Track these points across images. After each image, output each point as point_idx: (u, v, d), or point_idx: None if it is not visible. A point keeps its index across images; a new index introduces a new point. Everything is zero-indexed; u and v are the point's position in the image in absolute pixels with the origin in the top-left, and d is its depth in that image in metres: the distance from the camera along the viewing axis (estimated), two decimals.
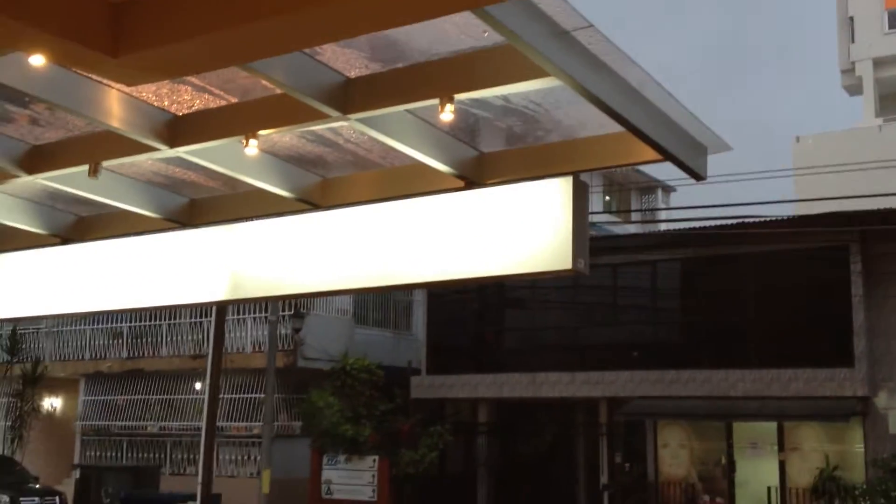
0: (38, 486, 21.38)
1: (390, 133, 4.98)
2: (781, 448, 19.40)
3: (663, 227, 31.44)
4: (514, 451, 26.35)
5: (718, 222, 19.89)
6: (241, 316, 24.41)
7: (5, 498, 19.65)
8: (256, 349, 23.79)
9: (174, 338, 25.71)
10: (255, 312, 24.13)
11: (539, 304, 23.29)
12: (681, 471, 20.47)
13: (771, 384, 19.05)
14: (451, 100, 4.44)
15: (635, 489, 20.51)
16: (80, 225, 6.32)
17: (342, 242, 5.64)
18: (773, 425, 19.45)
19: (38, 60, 3.68)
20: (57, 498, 20.76)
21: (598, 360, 21.81)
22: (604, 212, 33.48)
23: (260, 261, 5.75)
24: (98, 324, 27.09)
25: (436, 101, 4.49)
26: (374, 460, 21.88)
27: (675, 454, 20.72)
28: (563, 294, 22.85)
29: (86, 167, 5.04)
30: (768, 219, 19.23)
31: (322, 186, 5.99)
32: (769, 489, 18.62)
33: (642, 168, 34.25)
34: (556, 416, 24.15)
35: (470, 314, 24.59)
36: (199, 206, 6.16)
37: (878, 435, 18.39)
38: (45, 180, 5.34)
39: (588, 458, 24.69)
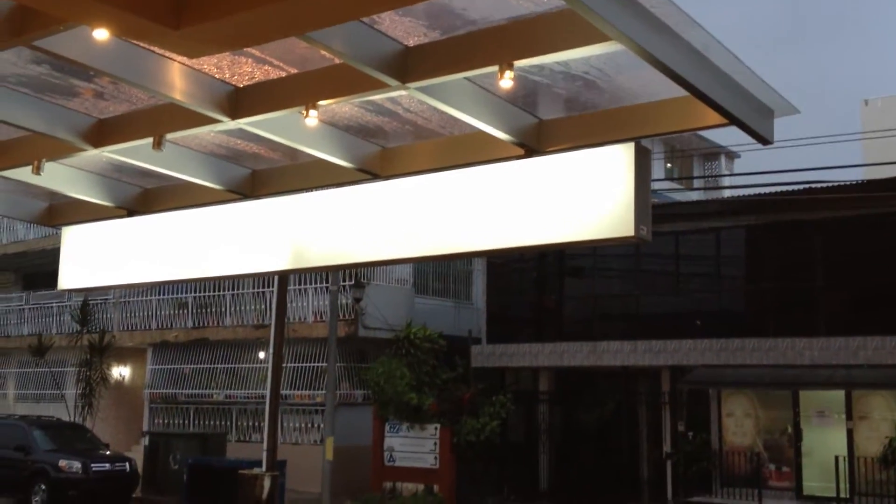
0: (108, 452, 22.00)
1: (449, 101, 4.95)
2: (849, 417, 19.06)
3: (727, 193, 30.92)
4: (575, 420, 26.32)
5: (784, 188, 19.48)
6: (302, 286, 24.71)
7: (77, 464, 20.27)
8: (318, 319, 24.08)
9: (237, 308, 26.16)
10: (316, 283, 24.40)
11: (600, 273, 23.13)
12: (746, 440, 20.24)
13: (839, 352, 18.68)
14: (510, 66, 4.38)
15: (699, 457, 20.35)
16: (145, 197, 6.43)
17: (402, 212, 5.63)
18: (840, 394, 19.11)
19: (101, 34, 3.72)
20: (127, 464, 21.35)
21: (661, 329, 21.60)
22: (666, 179, 33.01)
23: (321, 231, 5.77)
24: (164, 294, 27.69)
25: (495, 69, 4.44)
26: (436, 428, 22.06)
27: (739, 423, 20.48)
28: (625, 262, 22.66)
29: (150, 140, 5.11)
30: (836, 184, 18.77)
31: (382, 156, 5.99)
32: (836, 458, 18.32)
33: (705, 134, 33.64)
34: (618, 384, 24.03)
35: (530, 283, 24.53)
36: (261, 177, 6.22)
37: None
38: (111, 153, 5.43)
39: (650, 427, 24.55)
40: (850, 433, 18.92)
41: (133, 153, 5.45)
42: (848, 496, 18.21)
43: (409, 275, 25.76)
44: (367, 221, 5.73)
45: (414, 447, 22.28)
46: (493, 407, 21.93)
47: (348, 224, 5.76)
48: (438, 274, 26.98)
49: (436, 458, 21.99)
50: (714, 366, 20.15)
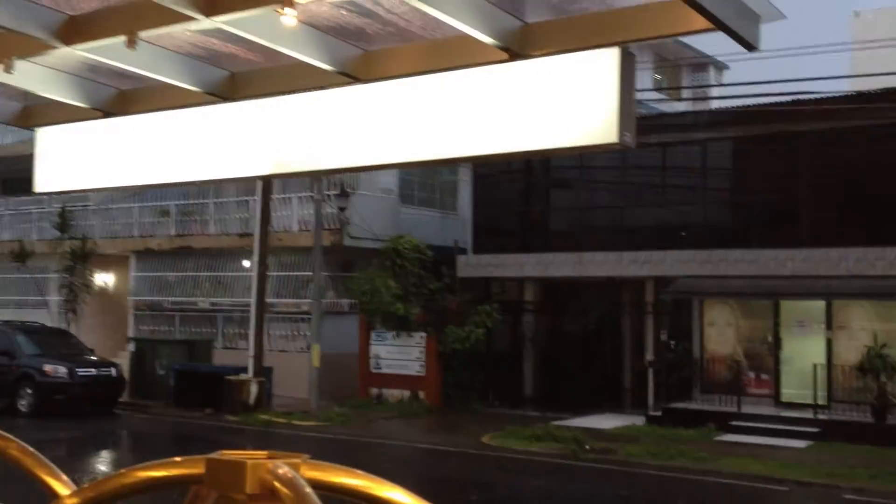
0: (94, 357, 22.15)
1: (431, 2, 4.80)
2: (829, 326, 19.36)
3: (715, 105, 30.69)
4: (560, 330, 26.64)
5: (772, 99, 19.32)
6: (286, 195, 24.60)
7: (63, 369, 20.44)
8: (303, 228, 24.06)
9: (221, 216, 26.10)
10: (300, 191, 24.30)
11: (586, 184, 23.09)
12: (726, 348, 20.57)
13: (820, 263, 18.85)
14: None
15: (680, 366, 20.70)
16: (121, 98, 6.28)
17: (385, 116, 5.52)
18: (821, 304, 19.36)
19: None
20: (113, 369, 21.54)
21: (646, 240, 21.71)
22: (654, 89, 32.68)
23: (302, 135, 5.67)
24: (145, 202, 27.55)
25: None
26: (422, 337, 22.31)
27: (721, 332, 20.79)
28: (611, 174, 22.60)
29: (123, 38, 4.96)
30: (823, 96, 18.63)
31: (363, 60, 5.85)
32: (815, 366, 18.66)
33: (694, 44, 33.18)
34: (603, 295, 24.25)
35: (516, 194, 24.49)
36: (240, 79, 6.08)
37: None
38: (84, 52, 5.28)
39: (634, 336, 24.89)
40: (829, 342, 19.25)
41: (106, 52, 5.30)
42: (825, 403, 18.61)
43: (395, 185, 25.66)
44: (349, 126, 5.61)
45: (400, 355, 22.57)
46: (479, 316, 22.16)
47: (329, 128, 5.65)
48: (424, 184, 26.89)
49: (422, 365, 22.31)
50: (697, 276, 20.33)
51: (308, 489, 1.19)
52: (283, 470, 1.24)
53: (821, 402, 18.52)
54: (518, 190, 24.45)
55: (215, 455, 1.31)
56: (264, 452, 1.32)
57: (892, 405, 17.59)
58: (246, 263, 24.29)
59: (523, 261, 23.21)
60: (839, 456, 15.91)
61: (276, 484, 1.22)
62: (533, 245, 23.63)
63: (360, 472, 1.33)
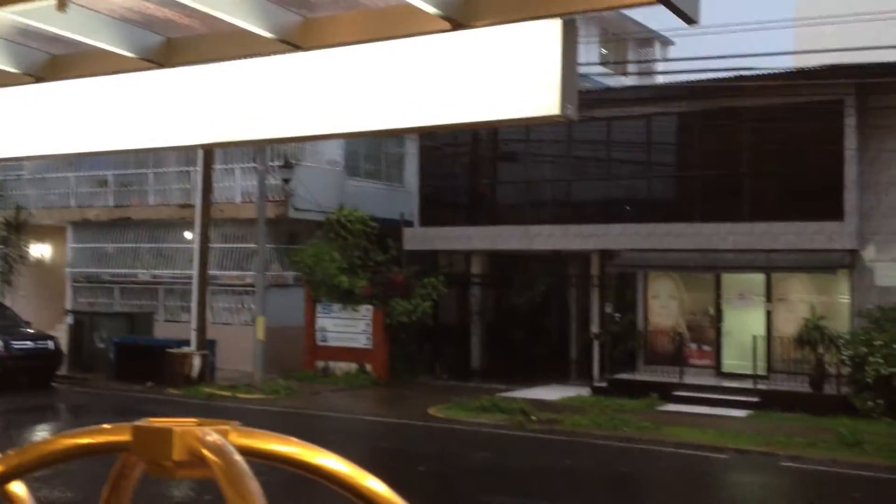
0: (30, 330, 21.70)
1: None
2: (769, 299, 19.74)
3: (660, 80, 30.93)
4: (506, 302, 26.80)
5: (715, 75, 19.51)
6: (229, 166, 24.26)
7: None
8: (246, 200, 23.76)
9: (161, 186, 25.65)
10: (243, 162, 23.98)
11: (533, 158, 23.14)
12: (669, 321, 20.87)
13: (761, 237, 19.18)
14: None
15: (625, 338, 20.98)
16: (54, 64, 6.08)
17: (326, 86, 5.40)
18: (761, 277, 19.73)
19: None
20: (50, 342, 21.14)
21: (591, 214, 21.87)
22: (600, 63, 32.80)
23: (242, 104, 5.53)
24: (82, 171, 26.95)
25: None
26: (368, 309, 22.26)
27: (664, 305, 21.07)
28: (558, 147, 22.67)
29: (53, 0, 4.78)
30: (765, 72, 18.86)
31: (304, 27, 5.72)
32: (754, 338, 19.04)
33: (640, 19, 33.33)
34: (549, 267, 24.43)
35: (463, 167, 24.47)
36: (177, 45, 5.91)
37: (863, 286, 18.67)
38: (13, 14, 5.08)
39: (579, 309, 25.15)
40: (768, 314, 19.64)
41: (37, 15, 5.11)
42: (765, 374, 19.00)
43: (340, 157, 25.45)
44: (290, 95, 5.48)
45: (346, 327, 22.50)
46: (425, 289, 22.17)
47: (270, 97, 5.51)
48: (370, 156, 26.71)
49: (368, 338, 22.27)
50: (641, 250, 20.55)
51: (237, 456, 1.17)
52: (212, 437, 1.22)
53: (760, 372, 18.91)
54: (465, 163, 24.43)
55: (142, 422, 1.28)
56: (194, 420, 1.29)
57: (828, 375, 18.04)
58: (188, 235, 23.94)
59: (470, 234, 23.24)
60: (777, 425, 16.29)
61: (204, 451, 1.20)
62: (480, 218, 23.66)
63: (292, 438, 1.29)
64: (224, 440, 1.22)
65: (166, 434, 1.23)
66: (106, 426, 1.34)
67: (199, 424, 1.28)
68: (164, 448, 1.22)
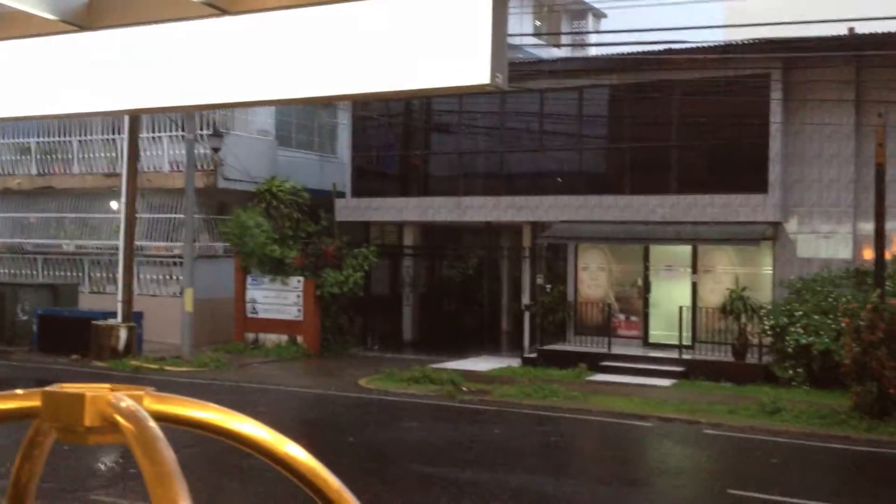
0: None
1: None
2: (695, 270, 20.14)
3: (592, 52, 31.11)
4: (439, 274, 26.86)
5: (646, 48, 19.68)
6: (156, 134, 23.73)
7: None
8: (174, 169, 23.30)
9: (86, 155, 24.95)
10: (171, 130, 23.47)
11: (466, 129, 23.12)
12: (599, 292, 21.16)
13: (688, 209, 19.52)
14: None
15: (555, 309, 21.20)
16: None
17: (255, 51, 5.27)
18: (687, 248, 20.11)
19: None
20: None
21: (524, 185, 22.00)
22: (533, 35, 32.86)
23: (168, 69, 5.36)
24: (3, 138, 26.08)
25: None
26: (300, 281, 22.08)
27: (594, 276, 21.35)
28: (490, 119, 22.69)
29: None
30: (695, 45, 19.09)
31: None
32: (681, 308, 19.41)
33: None
34: (482, 239, 24.53)
35: (396, 138, 24.34)
36: (100, 7, 5.71)
37: (786, 258, 19.17)
38: None
39: (511, 281, 25.35)
40: (694, 286, 20.04)
41: None
42: (690, 344, 19.42)
43: (271, 126, 25.08)
44: (217, 61, 5.34)
45: (277, 299, 22.29)
46: (357, 260, 22.06)
47: (197, 63, 5.35)
48: (302, 126, 26.38)
49: (299, 309, 22.10)
50: (572, 221, 20.75)
51: (150, 422, 1.13)
52: (125, 402, 1.18)
53: (686, 342, 19.32)
54: (398, 134, 24.31)
55: (53, 387, 1.24)
56: (107, 385, 1.25)
57: (751, 345, 18.51)
58: (114, 205, 23.39)
59: (402, 205, 23.18)
60: (701, 393, 16.69)
61: (117, 416, 1.16)
62: (412, 189, 23.61)
63: (210, 404, 1.26)
64: (137, 406, 1.18)
65: (78, 399, 1.19)
66: (15, 392, 1.29)
67: (113, 390, 1.24)
68: (76, 414, 1.18)
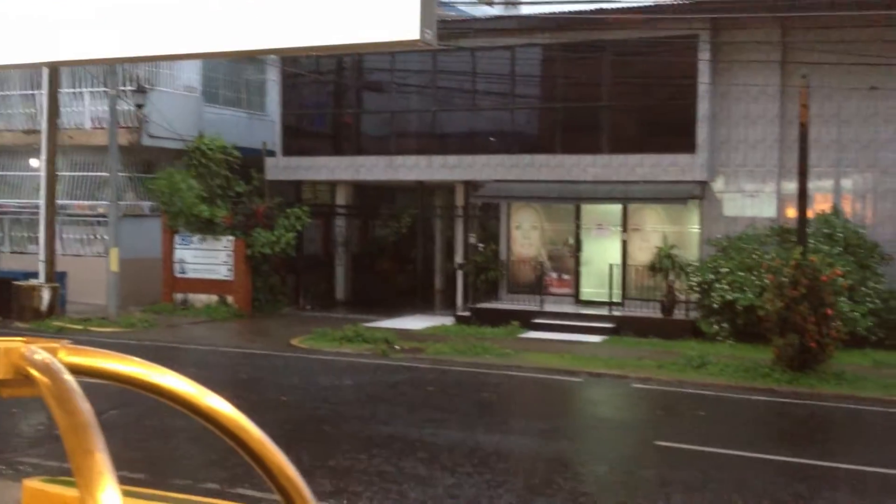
0: None
1: None
2: (625, 229, 20.41)
3: (525, 10, 31.00)
4: (372, 233, 26.76)
5: (578, 7, 19.69)
6: (77, 89, 23.00)
7: None
8: (97, 126, 22.64)
9: (4, 111, 24.09)
10: (93, 86, 22.76)
11: (398, 88, 22.91)
12: (531, 250, 21.31)
13: (619, 169, 19.72)
14: None
15: (488, 267, 21.31)
16: None
17: (176, 2, 5.09)
18: (618, 207, 20.35)
19: None
20: None
21: (456, 144, 21.94)
22: None
23: (85, 19, 5.16)
24: None
25: None
26: (230, 240, 21.76)
27: (526, 235, 21.48)
28: (423, 78, 22.51)
29: None
30: (624, 5, 19.17)
31: None
32: (611, 266, 19.69)
33: None
34: (415, 198, 24.46)
35: (327, 96, 24.02)
36: None
37: (713, 217, 19.54)
38: None
39: (445, 240, 25.39)
40: (624, 244, 20.33)
41: None
42: (619, 301, 19.73)
43: (198, 82, 24.48)
44: (135, 12, 5.14)
45: (207, 259, 21.96)
46: (289, 219, 21.82)
47: (113, 15, 5.15)
48: (229, 82, 25.82)
49: (230, 269, 21.82)
50: (505, 181, 20.80)
51: (66, 374, 1.08)
52: (39, 355, 1.12)
53: (616, 300, 19.63)
54: (329, 92, 23.98)
55: None
56: (21, 338, 1.19)
57: (678, 301, 18.89)
58: (34, 162, 22.65)
59: (334, 164, 22.94)
60: (630, 349, 17.01)
61: (31, 369, 1.10)
62: (344, 148, 23.37)
63: (128, 357, 1.21)
64: (52, 358, 1.13)
65: None
66: None
67: (27, 343, 1.19)
68: None
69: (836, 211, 18.42)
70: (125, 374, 1.22)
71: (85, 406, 1.03)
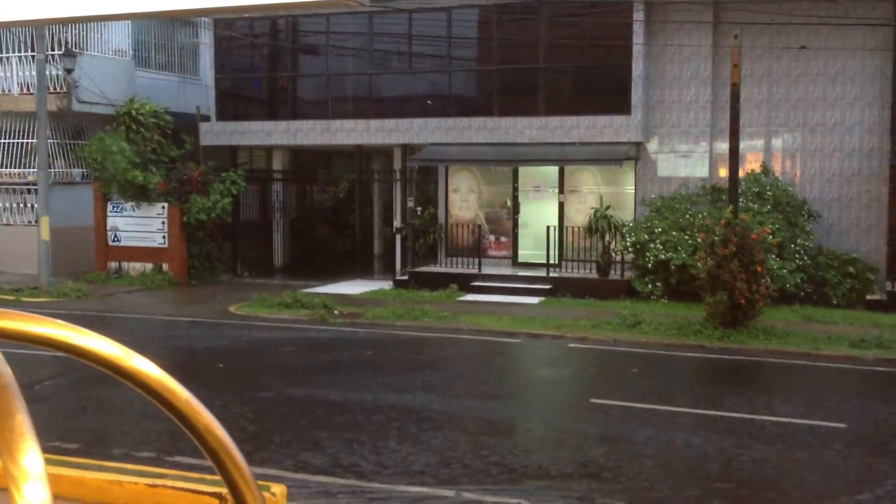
0: None
1: None
2: (561, 191, 20.61)
3: None
4: (310, 198, 26.57)
5: None
6: (4, 54, 22.31)
7: None
8: (25, 91, 22.02)
9: None
10: (20, 51, 22.10)
11: (334, 51, 22.66)
12: (469, 213, 21.41)
13: (555, 131, 19.86)
14: None
15: (426, 231, 21.36)
16: None
17: None
18: (555, 169, 20.52)
19: None
20: None
21: (394, 108, 21.85)
22: None
23: None
24: None
25: None
26: (164, 207, 21.43)
27: (464, 198, 21.56)
28: (359, 41, 22.30)
29: None
30: None
31: None
32: (548, 228, 19.89)
33: None
34: (353, 163, 24.32)
35: (262, 59, 23.67)
36: None
37: (647, 178, 19.84)
38: None
39: (383, 204, 25.33)
40: (561, 206, 20.53)
41: None
42: (557, 262, 19.97)
43: (128, 45, 23.90)
44: None
45: (140, 226, 21.61)
46: (224, 185, 21.55)
47: None
48: (161, 46, 25.25)
49: (164, 237, 21.51)
50: (443, 144, 20.80)
51: None
52: None
53: (553, 261, 19.85)
54: (264, 55, 23.64)
55: None
56: None
57: (614, 262, 19.20)
58: None
59: (270, 128, 22.68)
60: (567, 310, 17.27)
61: None
62: (280, 112, 23.11)
63: (53, 319, 1.22)
64: None
65: None
66: None
67: None
68: None
69: (766, 169, 18.84)
70: (49, 336, 1.23)
71: (5, 369, 1.05)
